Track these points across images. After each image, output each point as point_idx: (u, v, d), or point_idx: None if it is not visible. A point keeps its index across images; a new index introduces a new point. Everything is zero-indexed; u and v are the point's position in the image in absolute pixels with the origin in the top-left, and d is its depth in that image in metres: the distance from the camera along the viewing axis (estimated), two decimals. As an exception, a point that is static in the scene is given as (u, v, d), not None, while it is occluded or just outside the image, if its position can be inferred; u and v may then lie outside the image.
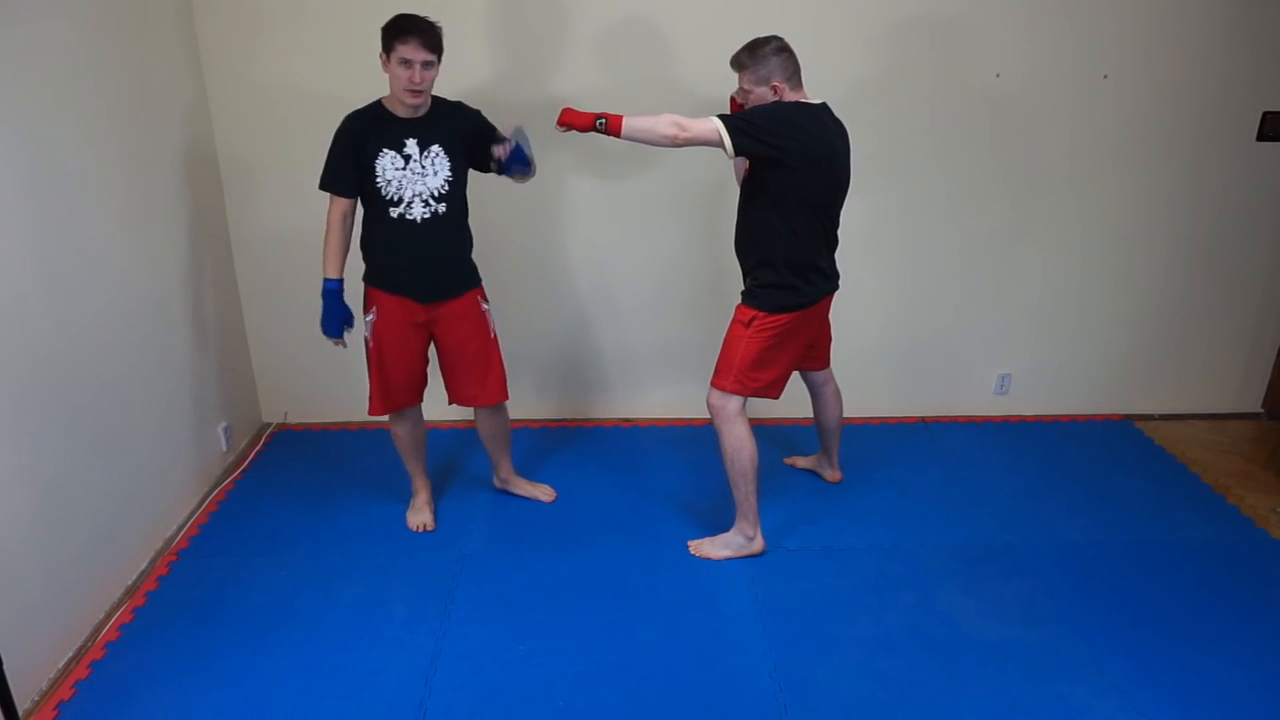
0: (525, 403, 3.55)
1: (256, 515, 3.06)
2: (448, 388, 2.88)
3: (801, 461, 3.38)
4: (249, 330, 3.52)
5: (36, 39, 2.27)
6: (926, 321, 3.62)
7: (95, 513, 2.52)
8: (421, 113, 2.56)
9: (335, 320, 2.69)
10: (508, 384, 2.90)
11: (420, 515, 3.00)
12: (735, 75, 2.56)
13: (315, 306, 3.46)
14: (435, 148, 2.57)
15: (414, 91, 2.47)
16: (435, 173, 2.57)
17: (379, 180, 2.55)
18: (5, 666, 1.80)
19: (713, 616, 2.59)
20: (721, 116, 2.43)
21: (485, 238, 3.35)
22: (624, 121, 2.43)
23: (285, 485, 3.24)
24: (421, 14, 2.47)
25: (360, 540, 2.92)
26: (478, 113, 2.68)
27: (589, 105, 2.50)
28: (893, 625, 2.55)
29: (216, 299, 3.28)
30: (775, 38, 2.51)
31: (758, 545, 2.83)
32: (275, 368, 3.60)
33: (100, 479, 2.54)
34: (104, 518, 2.56)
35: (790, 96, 2.50)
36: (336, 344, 2.76)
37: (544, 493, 3.17)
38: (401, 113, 2.54)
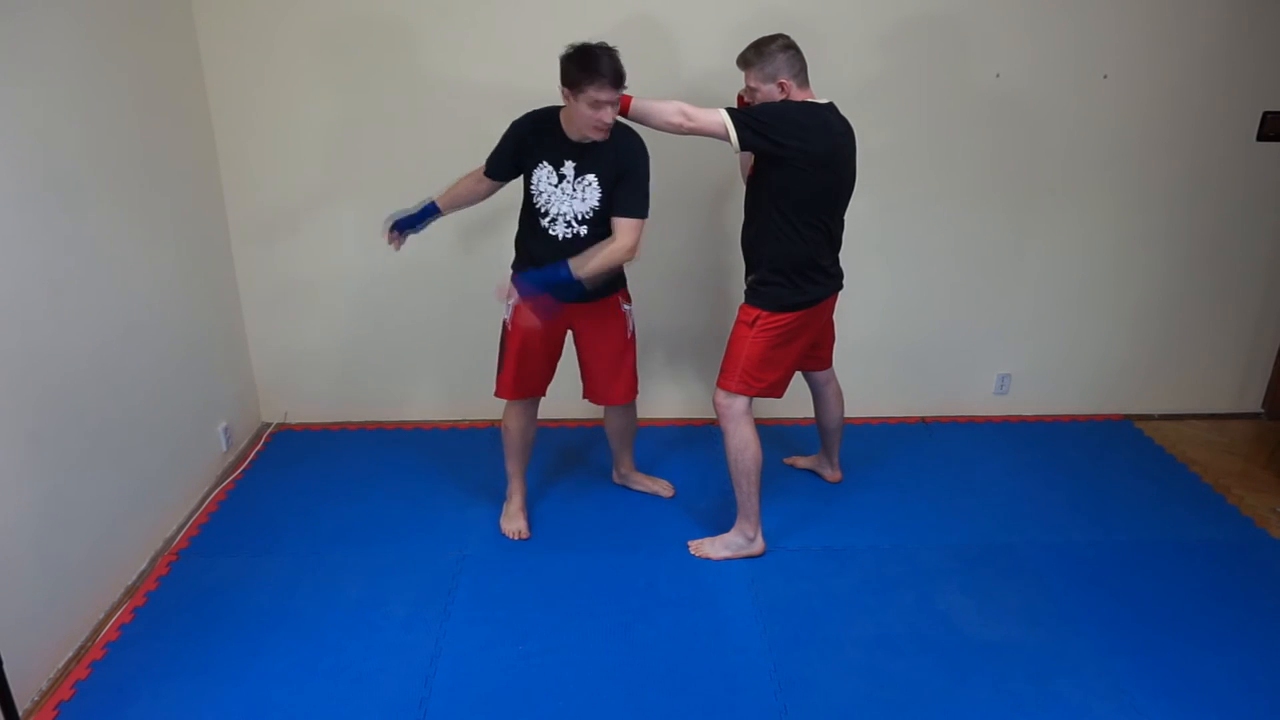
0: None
1: (256, 515, 3.06)
2: (583, 382, 2.91)
3: (802, 461, 3.38)
4: (249, 330, 3.51)
5: (36, 38, 2.27)
6: (927, 321, 3.62)
7: (95, 513, 2.52)
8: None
9: (408, 221, 2.73)
10: (636, 384, 2.91)
11: (515, 522, 2.95)
12: (742, 74, 2.56)
13: (315, 307, 3.49)
14: (590, 176, 2.52)
15: (600, 129, 2.42)
16: (584, 199, 2.54)
17: (533, 188, 2.57)
18: (5, 666, 1.80)
19: (713, 616, 2.58)
20: (729, 110, 2.45)
21: (486, 238, 3.36)
22: (632, 102, 2.48)
23: (285, 485, 3.24)
24: (604, 45, 2.37)
25: (360, 540, 2.92)
26: (639, 159, 2.54)
27: None
28: (893, 625, 2.55)
29: (216, 299, 3.28)
30: (781, 35, 2.51)
31: (758, 546, 2.83)
32: (275, 368, 3.59)
33: (100, 479, 2.54)
34: (104, 518, 2.56)
35: (798, 94, 2.51)
36: (391, 240, 2.74)
37: (663, 488, 3.18)
38: (573, 136, 2.49)
